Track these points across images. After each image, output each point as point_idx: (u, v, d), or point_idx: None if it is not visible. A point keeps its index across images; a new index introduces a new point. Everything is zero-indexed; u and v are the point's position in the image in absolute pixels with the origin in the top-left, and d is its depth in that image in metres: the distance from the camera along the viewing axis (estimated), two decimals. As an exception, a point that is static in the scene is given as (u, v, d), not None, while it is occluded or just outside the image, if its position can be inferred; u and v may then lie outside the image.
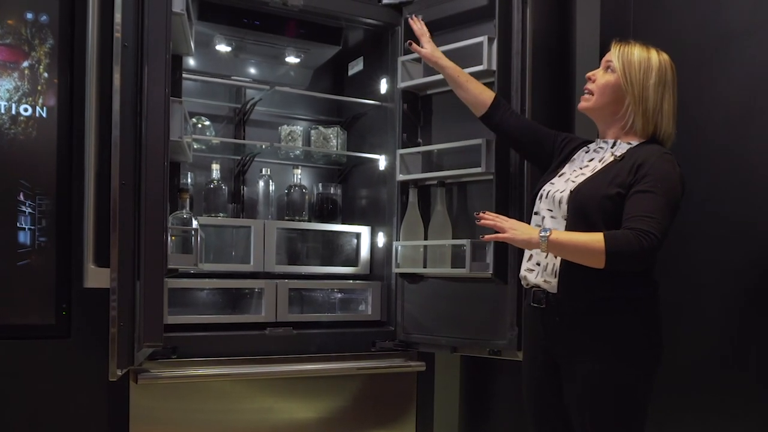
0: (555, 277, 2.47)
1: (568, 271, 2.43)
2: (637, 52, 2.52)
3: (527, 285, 2.60)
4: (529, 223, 2.60)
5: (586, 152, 2.66)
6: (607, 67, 2.55)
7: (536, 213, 2.61)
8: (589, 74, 2.59)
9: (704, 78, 2.95)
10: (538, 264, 2.54)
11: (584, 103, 2.59)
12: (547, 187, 2.61)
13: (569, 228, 2.44)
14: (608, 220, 2.37)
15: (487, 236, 2.53)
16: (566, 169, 2.66)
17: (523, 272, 2.61)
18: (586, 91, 2.59)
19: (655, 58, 2.53)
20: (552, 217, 2.53)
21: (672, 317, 2.58)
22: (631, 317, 2.41)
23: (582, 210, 2.42)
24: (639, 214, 2.31)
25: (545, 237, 2.34)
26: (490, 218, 2.48)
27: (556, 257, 2.46)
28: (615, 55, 2.52)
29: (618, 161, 2.47)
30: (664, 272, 2.52)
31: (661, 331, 2.46)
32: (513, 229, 2.42)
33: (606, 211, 2.39)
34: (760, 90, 2.78)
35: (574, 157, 2.69)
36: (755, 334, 2.75)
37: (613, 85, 2.52)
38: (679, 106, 2.93)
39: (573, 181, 2.53)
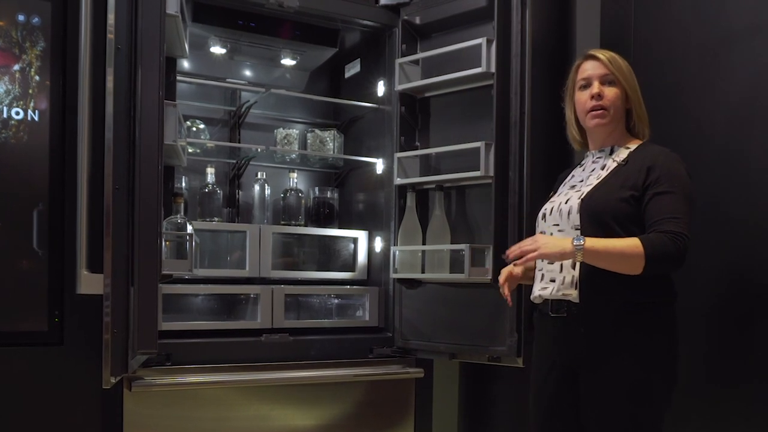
0: (575, 288, 2.44)
1: (591, 279, 2.41)
2: (616, 56, 2.56)
3: (541, 300, 2.58)
4: None
5: (583, 169, 2.67)
6: (608, 81, 2.54)
7: (542, 232, 2.59)
8: (596, 91, 2.53)
9: (707, 78, 2.95)
10: (553, 281, 2.51)
11: (601, 120, 2.54)
12: (548, 205, 2.62)
13: (590, 234, 2.41)
14: (623, 223, 2.40)
15: (518, 262, 2.50)
16: (562, 189, 2.67)
17: (536, 293, 2.59)
18: (598, 108, 2.53)
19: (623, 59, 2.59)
20: (560, 230, 2.52)
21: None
22: (653, 324, 2.41)
23: (597, 216, 2.43)
24: (665, 216, 2.34)
25: (581, 246, 2.33)
26: (515, 250, 2.46)
27: (573, 268, 2.45)
28: (609, 65, 2.53)
29: (623, 165, 2.49)
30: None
31: (679, 338, 2.46)
32: (543, 245, 2.39)
33: (621, 214, 2.41)
34: (762, 90, 2.77)
35: (568, 178, 2.71)
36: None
37: (621, 96, 2.54)
38: (681, 106, 2.94)
39: (578, 191, 2.53)
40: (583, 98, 2.57)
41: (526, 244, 2.44)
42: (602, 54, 2.56)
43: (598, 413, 2.44)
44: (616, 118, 2.54)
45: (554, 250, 2.38)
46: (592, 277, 2.40)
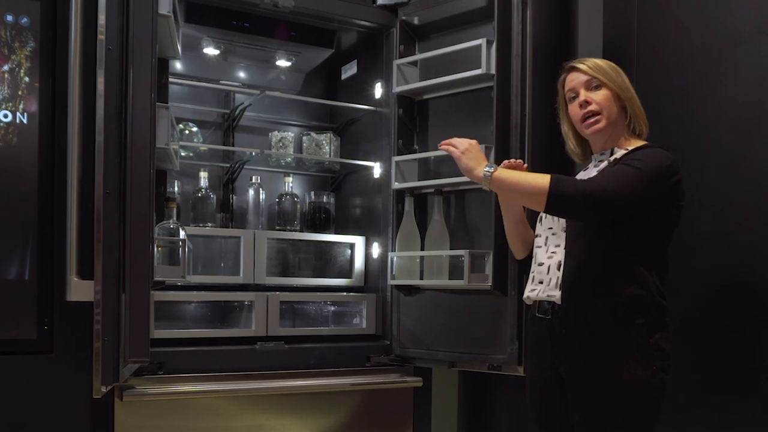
0: (558, 290, 2.47)
1: (573, 281, 2.44)
2: (597, 61, 2.57)
3: (531, 302, 2.60)
4: (532, 250, 2.67)
5: (585, 171, 2.68)
6: (593, 86, 2.54)
7: (538, 236, 2.64)
8: (582, 99, 2.53)
9: (711, 80, 2.94)
10: (541, 282, 2.55)
11: (598, 125, 2.53)
12: None
13: (575, 235, 2.45)
14: (614, 219, 2.38)
15: (440, 144, 2.66)
16: None
17: (527, 294, 2.62)
18: (589, 115, 2.53)
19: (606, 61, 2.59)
20: (553, 234, 2.56)
21: (677, 325, 2.55)
22: (638, 328, 2.38)
23: None
24: (600, 177, 2.41)
25: (489, 172, 2.43)
26: (446, 143, 2.61)
27: (559, 269, 2.48)
28: (589, 71, 2.54)
29: (614, 165, 2.49)
30: (671, 278, 2.50)
31: (669, 342, 2.43)
32: (467, 151, 2.52)
33: None
34: (767, 92, 2.76)
35: None
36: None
37: (612, 96, 2.53)
38: (686, 108, 2.92)
39: None
40: (574, 110, 2.58)
41: (458, 142, 2.57)
42: (581, 63, 2.57)
43: (580, 415, 2.44)
44: (611, 119, 2.53)
45: (467, 162, 2.50)
46: (574, 279, 2.43)
